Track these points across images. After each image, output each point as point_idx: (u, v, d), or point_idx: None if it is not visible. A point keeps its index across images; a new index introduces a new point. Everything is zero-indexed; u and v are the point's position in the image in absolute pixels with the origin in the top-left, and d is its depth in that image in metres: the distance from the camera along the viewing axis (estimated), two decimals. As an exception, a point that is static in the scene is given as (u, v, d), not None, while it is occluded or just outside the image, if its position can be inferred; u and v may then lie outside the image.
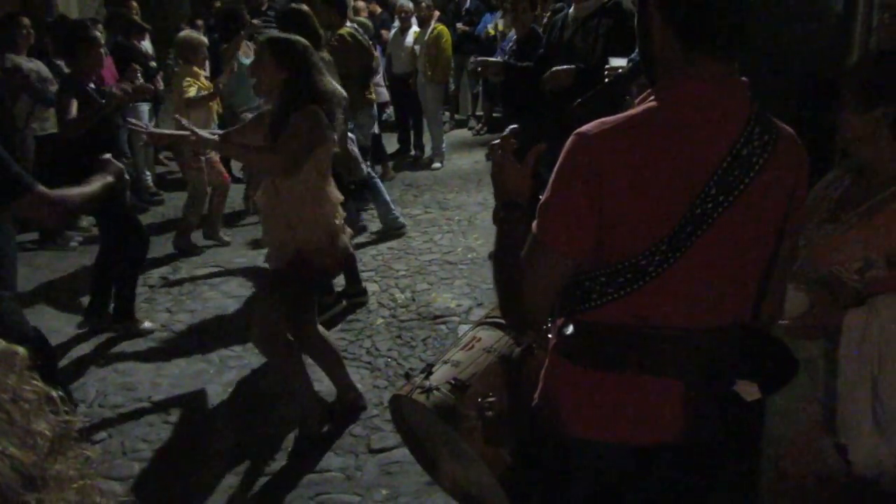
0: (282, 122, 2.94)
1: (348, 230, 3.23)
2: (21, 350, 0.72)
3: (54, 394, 0.72)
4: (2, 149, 2.30)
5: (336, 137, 3.07)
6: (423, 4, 7.84)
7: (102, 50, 4.23)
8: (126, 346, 4.21)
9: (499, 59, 5.22)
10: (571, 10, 4.13)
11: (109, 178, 2.65)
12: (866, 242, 1.73)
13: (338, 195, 3.16)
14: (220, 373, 3.91)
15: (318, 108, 2.93)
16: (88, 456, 0.74)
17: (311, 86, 2.96)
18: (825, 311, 1.77)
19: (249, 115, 6.18)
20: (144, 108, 6.86)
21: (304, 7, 4.64)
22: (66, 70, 5.05)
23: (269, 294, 3.23)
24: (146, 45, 7.55)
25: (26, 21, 5.68)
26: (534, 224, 1.34)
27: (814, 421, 1.90)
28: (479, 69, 4.88)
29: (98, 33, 4.23)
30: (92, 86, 4.19)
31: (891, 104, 1.72)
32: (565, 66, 3.79)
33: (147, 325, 4.43)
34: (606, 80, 3.05)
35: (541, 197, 1.35)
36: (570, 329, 1.41)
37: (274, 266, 3.17)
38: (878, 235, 1.72)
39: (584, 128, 1.30)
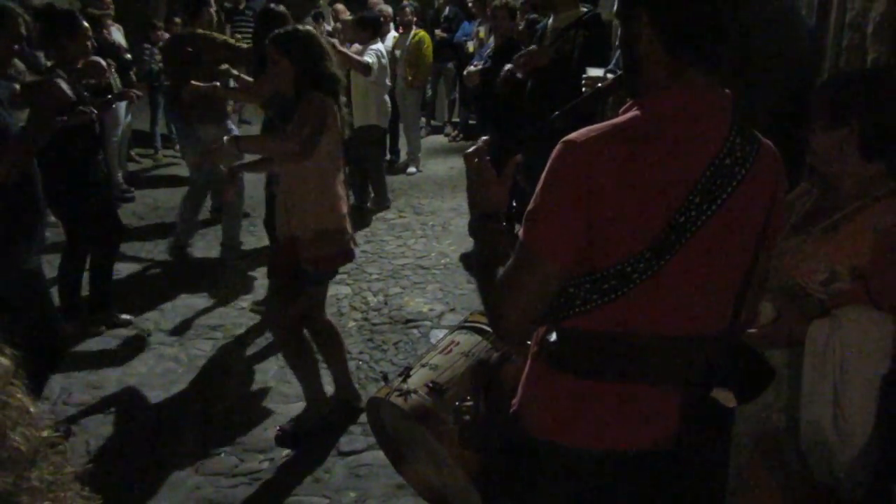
0: (293, 110, 2.97)
1: (347, 226, 3.18)
2: (4, 361, 0.71)
3: (32, 409, 0.71)
4: None
5: (339, 126, 3.08)
6: (408, 10, 7.88)
7: (89, 42, 4.18)
8: (93, 344, 4.15)
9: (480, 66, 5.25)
10: (551, 20, 4.17)
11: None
12: (831, 255, 1.77)
13: (339, 189, 3.13)
14: (189, 373, 3.87)
15: (323, 95, 2.95)
16: (64, 464, 0.73)
17: (316, 72, 2.98)
18: (790, 322, 1.81)
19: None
20: (122, 103, 6.78)
21: (282, 8, 4.66)
22: (46, 61, 4.99)
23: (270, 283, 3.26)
24: (119, 38, 7.47)
25: None
26: (520, 231, 1.34)
27: (777, 429, 1.93)
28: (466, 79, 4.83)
29: (85, 23, 4.19)
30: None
31: (857, 122, 1.76)
32: (540, 48, 3.86)
33: (125, 316, 4.42)
34: (584, 89, 3.09)
35: (514, 205, 1.36)
36: (552, 336, 1.41)
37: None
38: (843, 249, 1.77)
39: (572, 136, 1.31)
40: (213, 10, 5.32)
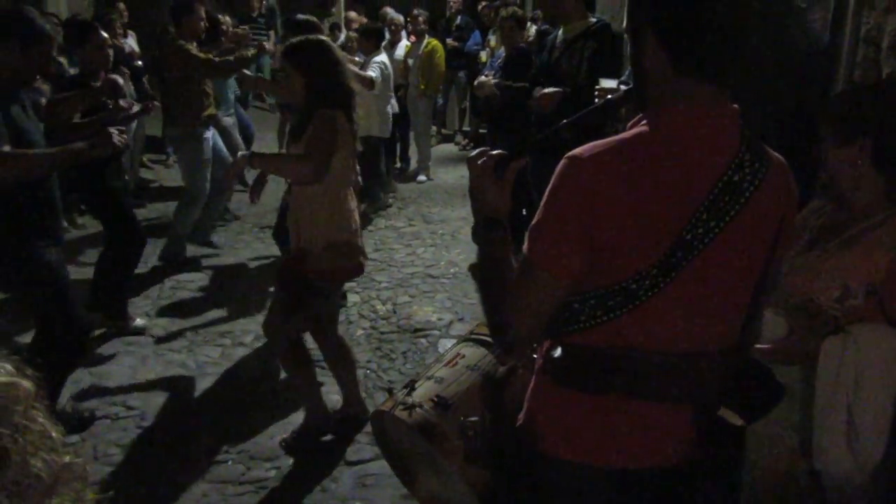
0: (303, 126, 2.96)
1: (358, 241, 3.16)
2: (26, 383, 0.70)
3: (54, 434, 0.70)
4: None
5: (354, 141, 3.06)
6: (420, 18, 7.91)
7: (110, 50, 4.29)
8: (102, 349, 4.15)
9: (490, 78, 5.27)
10: (560, 31, 4.17)
11: (80, 144, 2.92)
12: (845, 271, 1.75)
13: (351, 204, 3.11)
14: (197, 379, 3.87)
15: (337, 111, 2.92)
16: (84, 490, 0.72)
17: (326, 85, 2.94)
18: (803, 338, 1.79)
19: (228, 119, 6.19)
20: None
21: (314, 18, 4.72)
22: (69, 69, 5.09)
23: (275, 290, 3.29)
24: (132, 44, 7.53)
25: None
26: (525, 246, 1.34)
27: (789, 446, 1.91)
28: (476, 88, 4.84)
29: (105, 34, 4.31)
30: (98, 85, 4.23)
31: (870, 136, 1.75)
32: (552, 90, 3.81)
33: (139, 322, 4.44)
34: (597, 100, 3.08)
35: (524, 213, 1.35)
36: (557, 351, 1.40)
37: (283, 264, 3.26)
38: (858, 265, 1.75)
39: (576, 151, 1.30)
40: (200, 21, 5.31)
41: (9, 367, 0.69)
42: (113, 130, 2.98)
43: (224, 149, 5.73)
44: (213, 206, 5.80)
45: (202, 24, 5.38)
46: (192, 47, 5.19)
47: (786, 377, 1.85)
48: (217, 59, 5.26)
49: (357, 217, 3.15)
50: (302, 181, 3.00)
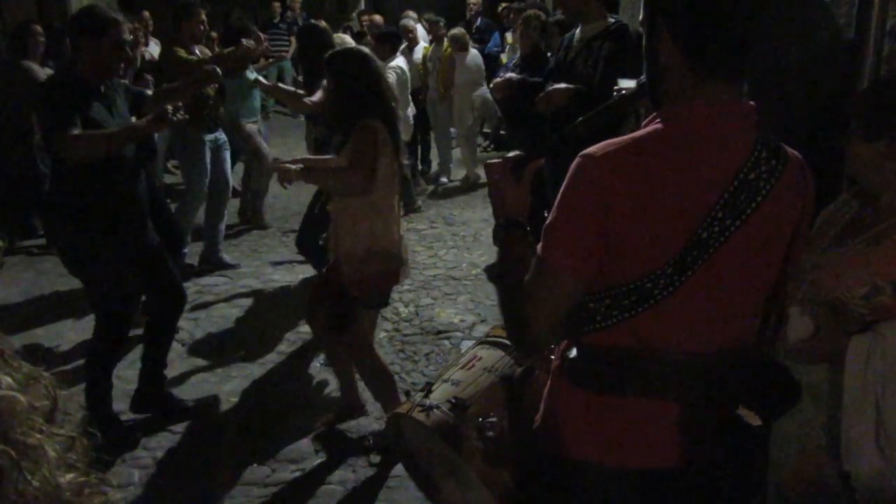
0: (346, 139, 2.98)
1: (403, 250, 3.16)
2: (23, 397, 0.66)
3: (51, 452, 0.67)
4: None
5: (396, 152, 3.06)
6: (440, 23, 7.94)
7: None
8: (129, 353, 4.20)
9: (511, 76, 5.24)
10: (577, 31, 4.14)
11: (138, 122, 3.15)
12: (873, 268, 1.73)
13: (394, 213, 3.10)
14: (223, 383, 3.90)
15: (377, 122, 2.92)
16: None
17: (370, 96, 2.95)
18: (830, 336, 1.77)
19: (253, 126, 6.20)
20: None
21: (322, 23, 4.73)
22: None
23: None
24: (157, 52, 7.63)
25: (38, 28, 5.83)
26: (539, 245, 1.34)
27: (817, 447, 1.89)
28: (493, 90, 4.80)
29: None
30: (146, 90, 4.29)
31: None
32: (562, 86, 3.78)
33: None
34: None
35: (546, 214, 1.34)
36: (573, 351, 1.41)
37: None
38: (885, 262, 1.72)
39: (590, 149, 1.30)
40: (199, 24, 5.26)
41: (8, 380, 0.66)
42: (168, 107, 3.11)
43: (227, 168, 5.62)
44: (218, 222, 5.66)
45: (202, 27, 5.37)
46: (183, 51, 5.14)
47: (812, 376, 1.83)
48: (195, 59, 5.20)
49: (400, 226, 3.13)
50: (351, 193, 2.98)
